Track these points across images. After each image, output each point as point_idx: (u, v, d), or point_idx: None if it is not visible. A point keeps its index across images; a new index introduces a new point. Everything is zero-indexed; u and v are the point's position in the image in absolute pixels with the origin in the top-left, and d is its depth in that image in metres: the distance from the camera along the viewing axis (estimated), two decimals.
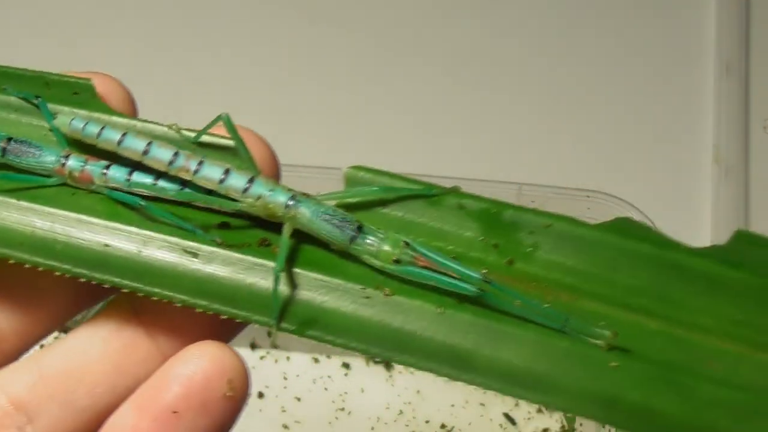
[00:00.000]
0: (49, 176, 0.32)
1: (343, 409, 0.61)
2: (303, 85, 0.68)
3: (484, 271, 0.30)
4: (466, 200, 0.31)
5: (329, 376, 0.61)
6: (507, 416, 0.62)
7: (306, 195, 0.30)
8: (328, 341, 0.29)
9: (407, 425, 0.60)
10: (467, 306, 0.30)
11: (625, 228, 0.31)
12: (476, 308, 0.29)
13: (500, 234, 0.31)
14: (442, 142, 0.66)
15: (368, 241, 0.30)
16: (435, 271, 0.29)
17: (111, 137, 0.31)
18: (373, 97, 0.68)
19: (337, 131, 0.66)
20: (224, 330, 0.31)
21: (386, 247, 0.29)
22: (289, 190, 0.30)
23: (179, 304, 0.29)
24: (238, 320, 0.30)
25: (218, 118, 0.31)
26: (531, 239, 0.31)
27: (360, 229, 0.30)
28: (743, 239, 0.32)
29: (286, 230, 0.30)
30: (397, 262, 0.29)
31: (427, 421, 0.60)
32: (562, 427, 0.60)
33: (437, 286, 0.29)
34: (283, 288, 0.29)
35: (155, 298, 0.29)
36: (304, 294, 0.30)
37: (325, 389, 0.61)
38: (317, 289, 0.30)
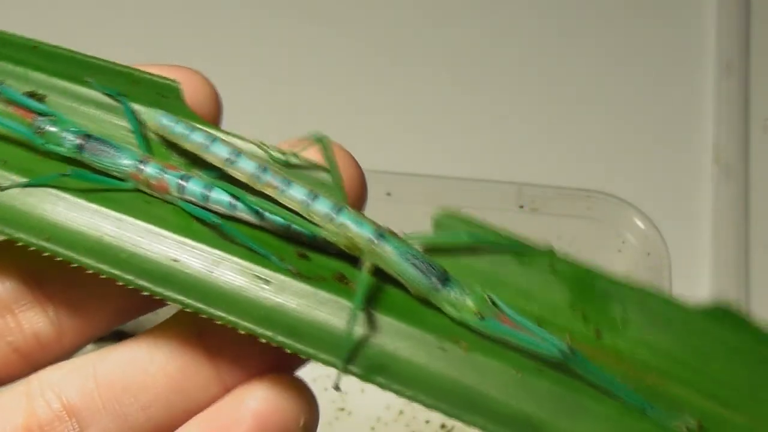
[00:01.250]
0: (123, 180, 0.30)
1: (343, 409, 0.61)
2: (300, 84, 0.68)
3: (568, 340, 0.28)
4: (558, 263, 0.29)
5: (329, 376, 0.61)
6: None
7: (392, 232, 0.29)
8: (395, 390, 0.27)
9: (407, 425, 0.60)
10: (547, 372, 0.28)
11: (723, 314, 0.29)
12: (556, 376, 0.28)
13: (590, 303, 0.29)
14: (442, 141, 0.66)
15: (452, 292, 0.28)
16: (515, 330, 0.28)
17: (199, 140, 0.30)
18: (372, 97, 0.68)
19: (335, 131, 0.66)
20: (286, 365, 0.30)
21: (470, 301, 0.28)
22: (377, 224, 0.29)
23: (243, 331, 0.28)
24: (302, 356, 0.28)
25: (313, 136, 0.30)
26: (622, 313, 0.29)
27: (445, 277, 0.28)
28: None
29: (367, 267, 0.28)
30: (480, 317, 0.28)
31: (427, 421, 0.60)
32: None
33: (518, 347, 0.28)
34: (356, 328, 0.28)
35: (219, 322, 0.28)
36: (377, 338, 0.28)
37: (325, 389, 0.61)
38: (391, 334, 0.28)
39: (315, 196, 0.29)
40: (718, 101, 0.66)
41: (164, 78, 0.31)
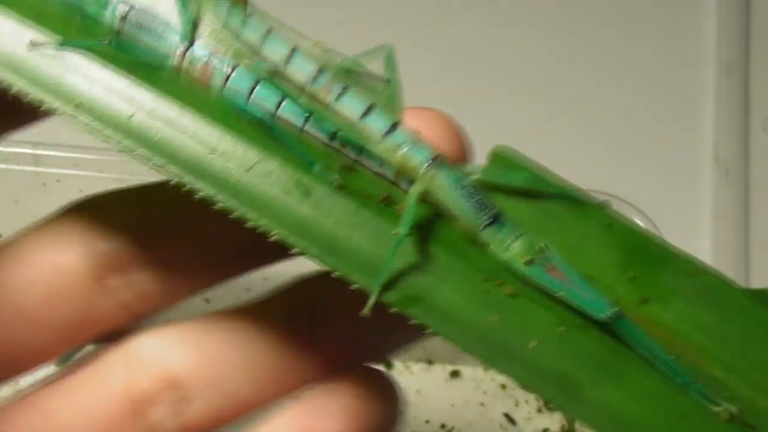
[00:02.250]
0: (167, 58, 0.27)
1: None
2: None
3: (615, 305, 0.26)
4: (615, 221, 0.28)
5: None
6: (507, 416, 0.62)
7: (450, 161, 0.27)
8: (427, 326, 0.25)
9: (407, 425, 0.60)
10: (591, 332, 0.26)
11: None
12: (600, 337, 0.26)
13: (641, 267, 0.28)
14: None
15: (503, 231, 0.26)
16: (564, 283, 0.26)
17: (258, 28, 0.27)
18: None
19: None
20: (370, 357, 0.29)
21: (520, 244, 0.26)
22: (433, 148, 0.27)
23: (274, 238, 0.26)
24: (335, 274, 0.26)
25: (380, 48, 0.28)
26: (673, 283, 0.27)
27: (498, 215, 0.26)
28: None
29: (417, 191, 0.26)
30: (530, 263, 0.26)
31: (427, 421, 0.60)
32: (562, 427, 0.60)
33: (564, 301, 0.26)
34: (398, 254, 0.26)
35: (250, 224, 0.26)
36: (418, 268, 0.26)
37: None
38: (433, 266, 0.26)
39: (371, 108, 0.27)
40: (718, 101, 0.66)
41: None
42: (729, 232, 0.61)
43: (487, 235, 0.26)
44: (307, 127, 0.27)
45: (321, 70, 0.27)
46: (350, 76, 0.28)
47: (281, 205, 0.26)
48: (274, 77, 0.27)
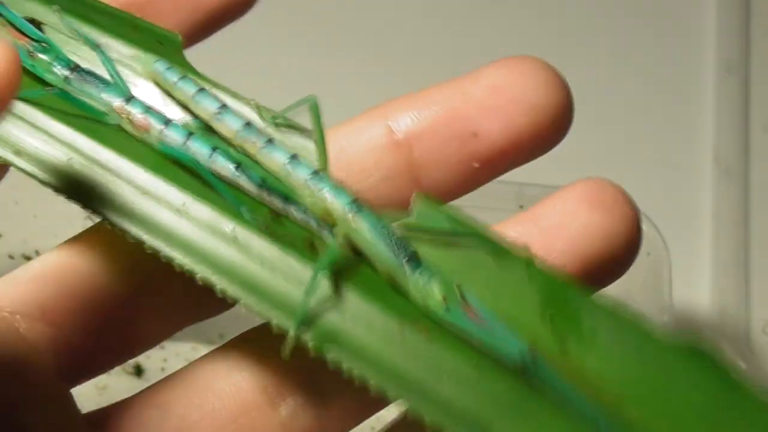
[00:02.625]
0: (106, 114, 0.29)
1: None
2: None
3: (532, 347, 0.27)
4: (534, 267, 0.28)
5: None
6: None
7: (370, 206, 0.28)
8: (344, 366, 0.26)
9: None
10: (505, 374, 0.27)
11: (696, 347, 0.28)
12: (514, 379, 0.27)
13: (561, 312, 0.28)
14: None
15: (420, 275, 0.27)
16: (478, 324, 0.27)
17: (188, 88, 0.29)
18: (372, 95, 0.68)
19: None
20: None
21: (436, 287, 0.27)
22: (355, 196, 0.28)
23: (200, 281, 0.27)
24: (257, 316, 0.27)
25: (305, 100, 0.29)
26: (591, 328, 0.28)
27: (415, 260, 0.27)
28: None
29: (338, 238, 0.28)
30: (446, 305, 0.27)
31: None
32: None
33: (479, 344, 0.27)
34: (314, 295, 0.27)
35: (177, 265, 0.27)
36: (336, 309, 0.27)
37: None
38: (351, 308, 0.27)
39: (296, 159, 0.28)
40: (718, 101, 0.66)
41: (164, 29, 0.31)
42: (729, 232, 0.60)
43: (405, 278, 0.27)
44: (237, 175, 0.29)
45: (248, 124, 0.29)
46: (279, 129, 0.30)
47: (208, 247, 0.27)
48: (206, 130, 0.29)
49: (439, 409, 0.26)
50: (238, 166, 0.29)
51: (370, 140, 0.31)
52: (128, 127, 0.29)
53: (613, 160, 0.65)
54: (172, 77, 0.30)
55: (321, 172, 0.28)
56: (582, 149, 0.66)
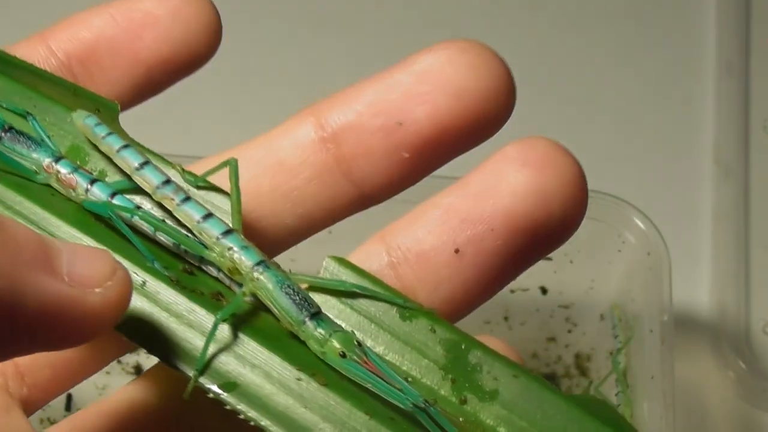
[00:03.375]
0: (36, 173, 0.31)
1: None
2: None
3: (431, 401, 0.28)
4: (439, 326, 0.30)
5: None
6: None
7: (277, 265, 0.30)
8: (241, 411, 0.28)
9: None
10: (399, 423, 0.28)
11: (593, 408, 0.29)
12: (409, 428, 0.28)
13: (462, 369, 0.29)
14: None
15: (320, 327, 0.29)
16: (377, 375, 0.28)
17: (114, 143, 0.31)
18: None
19: None
20: None
21: (335, 341, 0.28)
22: (263, 255, 0.30)
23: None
24: (160, 360, 0.28)
25: (226, 163, 0.30)
26: (492, 385, 0.29)
27: (317, 314, 0.29)
28: None
29: (244, 291, 0.29)
30: (342, 356, 0.28)
31: None
32: None
33: (374, 392, 0.28)
34: (217, 343, 0.28)
35: None
36: (235, 357, 0.28)
37: None
38: (250, 356, 0.28)
39: (208, 216, 0.30)
40: (718, 101, 0.65)
41: (102, 97, 0.32)
42: (729, 232, 0.60)
43: (305, 330, 0.29)
44: (155, 235, 0.30)
45: (167, 181, 0.30)
46: (197, 188, 0.31)
47: None
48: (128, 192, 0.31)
49: None
50: (156, 224, 0.30)
51: (298, 139, 0.31)
52: (56, 185, 0.31)
53: (613, 159, 0.65)
54: (101, 132, 0.31)
55: (233, 231, 0.30)
56: (582, 149, 0.65)
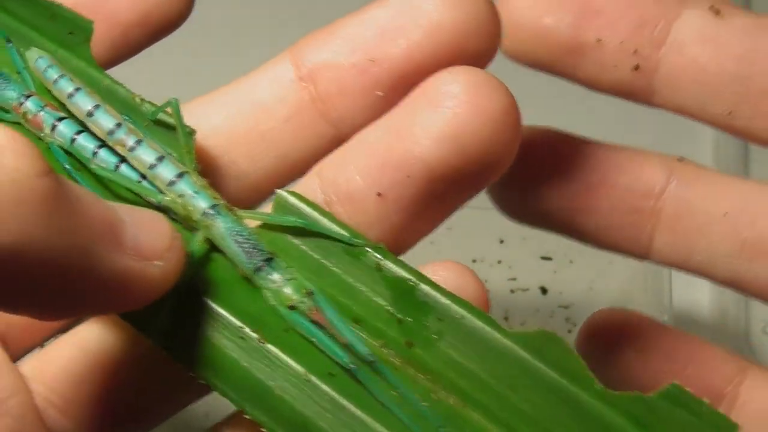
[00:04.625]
0: (7, 112, 0.31)
1: None
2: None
3: (378, 347, 0.28)
4: (386, 262, 0.28)
5: None
6: None
7: (231, 209, 0.29)
8: (191, 369, 0.28)
9: None
10: (339, 379, 0.28)
11: (543, 344, 0.27)
12: (347, 384, 0.28)
13: (409, 310, 0.28)
14: None
15: (273, 276, 0.28)
16: (323, 329, 0.28)
17: (64, 88, 0.30)
18: None
19: None
20: None
21: (288, 290, 0.28)
22: (217, 198, 0.29)
23: None
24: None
25: (167, 103, 0.30)
26: (438, 326, 0.28)
27: (269, 261, 0.28)
28: (675, 397, 0.27)
29: (199, 239, 0.29)
30: (292, 308, 0.28)
31: None
32: None
33: (316, 345, 0.28)
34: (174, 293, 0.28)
35: None
36: (185, 312, 0.28)
37: None
38: (200, 312, 0.28)
39: (162, 160, 0.29)
40: None
41: (82, 17, 0.31)
42: None
43: (257, 279, 0.28)
44: (113, 176, 0.30)
45: (119, 124, 0.30)
46: (155, 126, 0.30)
47: None
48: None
49: (272, 415, 0.28)
50: (119, 163, 0.30)
51: (275, 78, 0.30)
52: (26, 125, 0.30)
53: None
54: (53, 75, 0.30)
55: (185, 173, 0.29)
56: None
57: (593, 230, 0.33)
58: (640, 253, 0.34)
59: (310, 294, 0.28)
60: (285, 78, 0.30)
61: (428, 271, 0.29)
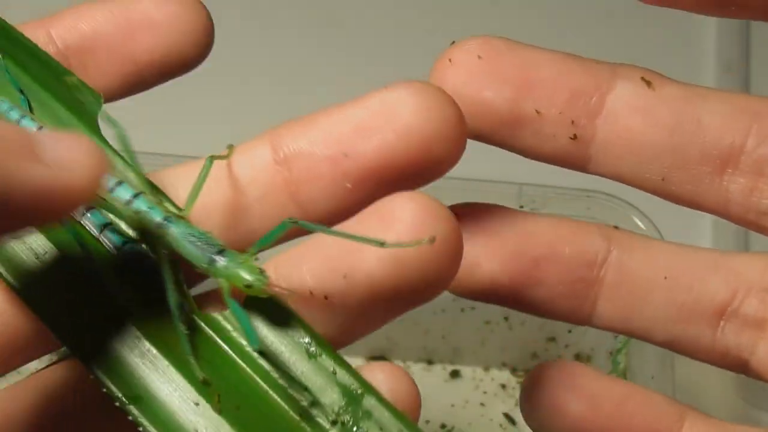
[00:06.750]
0: None
1: None
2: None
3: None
4: (340, 368, 0.31)
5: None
6: (507, 416, 0.62)
7: (183, 219, 0.32)
8: (141, 424, 0.30)
9: None
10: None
11: None
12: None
13: (353, 415, 0.30)
14: None
15: (227, 263, 0.31)
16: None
17: (28, 125, 0.32)
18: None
19: None
20: None
21: (242, 272, 0.30)
22: (169, 212, 0.32)
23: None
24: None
25: (117, 130, 0.32)
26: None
27: (221, 252, 0.31)
28: None
29: (158, 248, 0.32)
30: (248, 287, 0.30)
31: (427, 421, 0.60)
32: None
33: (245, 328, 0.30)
34: (130, 349, 0.31)
35: None
36: (147, 368, 0.31)
37: None
38: (160, 371, 0.31)
39: (119, 183, 0.32)
40: None
41: (92, 90, 0.34)
42: (729, 233, 0.60)
43: (215, 270, 0.31)
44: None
45: None
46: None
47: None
48: None
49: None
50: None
51: (254, 158, 0.33)
52: None
53: None
54: (14, 116, 0.33)
55: (141, 193, 0.32)
56: None
57: (539, 302, 0.35)
58: (583, 320, 0.36)
59: (263, 272, 0.31)
60: (263, 160, 0.33)
61: (365, 372, 0.31)
